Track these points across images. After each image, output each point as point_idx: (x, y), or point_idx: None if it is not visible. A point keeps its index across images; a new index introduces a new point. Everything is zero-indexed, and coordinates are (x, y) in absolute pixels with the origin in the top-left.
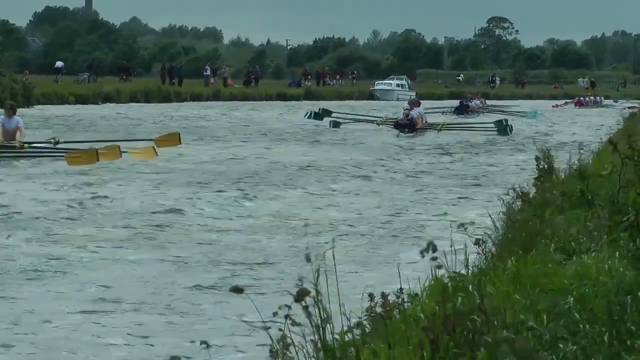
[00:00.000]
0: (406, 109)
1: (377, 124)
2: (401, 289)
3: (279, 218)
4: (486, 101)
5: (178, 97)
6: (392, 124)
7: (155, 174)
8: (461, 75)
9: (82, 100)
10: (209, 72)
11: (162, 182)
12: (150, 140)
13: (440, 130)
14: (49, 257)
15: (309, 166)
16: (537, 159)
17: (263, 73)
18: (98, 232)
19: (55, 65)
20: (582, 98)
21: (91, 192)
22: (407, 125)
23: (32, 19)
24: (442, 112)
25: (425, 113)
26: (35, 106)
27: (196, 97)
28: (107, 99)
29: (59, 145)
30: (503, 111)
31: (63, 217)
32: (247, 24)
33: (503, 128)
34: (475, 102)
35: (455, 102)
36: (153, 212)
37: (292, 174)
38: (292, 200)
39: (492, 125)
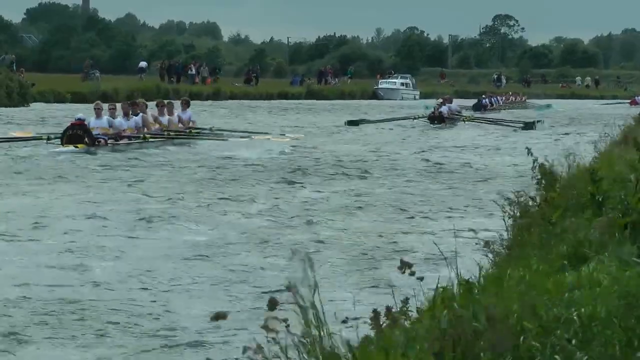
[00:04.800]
0: (438, 104)
1: (412, 119)
2: (406, 299)
3: None
4: (526, 99)
5: (177, 95)
6: (426, 117)
7: None
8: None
9: (78, 98)
10: (194, 71)
11: None
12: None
13: (465, 121)
14: None
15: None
16: (534, 161)
17: (264, 71)
18: None
19: (139, 65)
20: (637, 97)
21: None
22: (437, 118)
23: (25, 16)
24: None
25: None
26: (31, 104)
27: (195, 96)
28: (104, 97)
29: (215, 131)
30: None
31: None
32: (246, 19)
33: (530, 125)
34: (492, 100)
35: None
36: None
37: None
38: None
39: (513, 121)
